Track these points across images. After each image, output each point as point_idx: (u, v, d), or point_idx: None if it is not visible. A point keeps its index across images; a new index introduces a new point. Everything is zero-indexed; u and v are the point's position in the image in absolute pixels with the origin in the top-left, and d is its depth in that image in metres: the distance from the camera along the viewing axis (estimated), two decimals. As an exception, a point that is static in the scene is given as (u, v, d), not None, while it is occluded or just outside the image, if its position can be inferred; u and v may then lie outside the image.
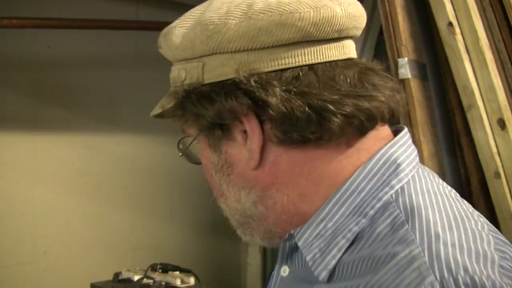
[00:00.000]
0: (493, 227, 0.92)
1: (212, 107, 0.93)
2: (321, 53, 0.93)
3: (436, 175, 1.01)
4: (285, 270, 1.02)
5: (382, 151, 0.94)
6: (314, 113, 0.90)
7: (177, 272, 2.07)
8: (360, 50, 3.48)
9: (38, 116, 3.14)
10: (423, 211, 0.87)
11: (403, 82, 2.28)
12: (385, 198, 0.91)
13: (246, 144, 0.95)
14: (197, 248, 2.62)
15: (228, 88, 0.91)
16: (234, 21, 0.91)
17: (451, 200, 0.93)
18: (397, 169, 0.93)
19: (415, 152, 0.99)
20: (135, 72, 3.41)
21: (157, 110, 1.03)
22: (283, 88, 0.90)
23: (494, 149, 2.13)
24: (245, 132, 0.94)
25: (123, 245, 3.14)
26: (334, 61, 0.94)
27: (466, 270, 0.77)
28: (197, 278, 2.07)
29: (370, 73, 0.96)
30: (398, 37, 2.31)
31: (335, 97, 0.91)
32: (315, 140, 0.92)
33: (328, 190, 0.95)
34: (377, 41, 3.48)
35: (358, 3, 0.98)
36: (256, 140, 0.93)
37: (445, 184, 1.00)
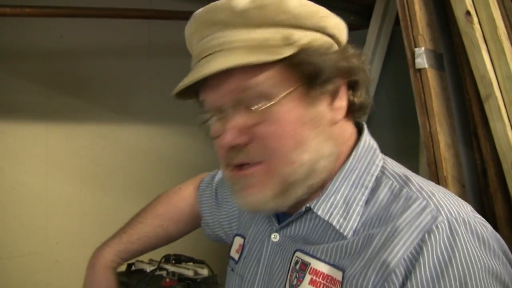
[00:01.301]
0: None
1: (337, 64, 1.17)
2: None
3: None
4: (275, 237, 1.31)
5: (364, 138, 1.26)
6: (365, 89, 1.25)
7: (191, 264, 2.06)
8: (375, 40, 3.46)
9: (51, 106, 3.13)
10: (410, 178, 1.19)
11: (419, 72, 2.26)
12: (375, 173, 1.22)
13: (331, 103, 1.19)
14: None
15: (344, 53, 1.19)
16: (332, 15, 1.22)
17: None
18: (376, 152, 1.26)
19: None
20: (148, 62, 3.40)
21: (254, 59, 1.12)
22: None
23: (512, 140, 2.10)
24: (332, 93, 1.18)
25: (136, 236, 3.10)
26: None
27: (459, 213, 1.12)
28: (210, 270, 2.05)
29: None
30: (415, 27, 2.28)
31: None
32: (364, 109, 1.26)
33: (342, 159, 1.25)
34: (392, 30, 3.46)
35: None
36: (345, 100, 1.21)
37: None
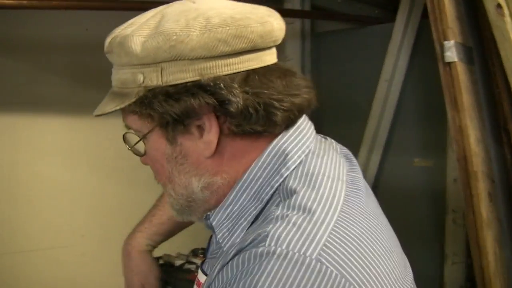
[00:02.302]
0: (357, 197, 1.14)
1: (179, 106, 1.08)
2: (261, 59, 1.13)
3: (330, 150, 1.23)
4: (215, 243, 1.23)
5: (274, 142, 1.14)
6: (263, 110, 1.09)
7: (218, 257, 2.05)
8: (402, 34, 3.44)
9: (77, 99, 3.14)
10: (293, 196, 1.06)
11: (449, 65, 2.23)
12: (276, 185, 1.11)
13: (201, 137, 1.12)
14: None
15: (193, 89, 1.07)
16: (195, 33, 1.06)
17: (325, 179, 1.11)
18: (285, 159, 1.12)
19: (306, 138, 1.18)
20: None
21: (110, 108, 1.15)
22: (241, 89, 1.08)
23: (544, 135, 2.08)
24: (199, 126, 1.11)
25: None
26: (268, 65, 1.14)
27: (282, 243, 0.95)
28: (237, 264, 2.04)
29: (290, 75, 1.17)
30: (444, 20, 2.26)
31: (278, 96, 1.11)
32: (261, 132, 1.11)
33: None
34: (418, 24, 3.43)
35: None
36: (214, 133, 1.10)
37: (336, 158, 1.22)
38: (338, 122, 3.74)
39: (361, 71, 3.78)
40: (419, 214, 3.51)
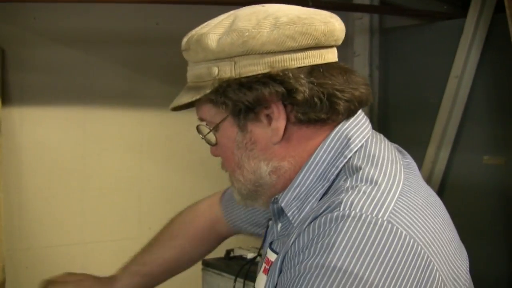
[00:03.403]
0: (414, 177, 1.24)
1: (251, 94, 1.19)
2: (323, 56, 1.24)
3: (385, 141, 1.33)
4: (280, 227, 1.33)
5: (337, 129, 1.24)
6: (326, 99, 1.20)
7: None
8: (474, 29, 3.38)
9: (146, 92, 3.17)
10: (359, 172, 1.17)
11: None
12: (340, 165, 1.22)
13: (269, 124, 1.22)
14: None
15: (264, 79, 1.18)
16: (266, 30, 1.18)
17: (385, 160, 1.22)
18: (348, 142, 1.23)
19: (364, 127, 1.28)
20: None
21: (186, 99, 1.27)
22: (307, 79, 1.19)
23: None
24: (268, 115, 1.22)
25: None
26: (329, 62, 1.25)
27: (354, 208, 1.06)
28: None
29: (350, 72, 1.27)
30: (523, 15, 2.21)
31: (340, 87, 1.22)
32: (325, 119, 1.22)
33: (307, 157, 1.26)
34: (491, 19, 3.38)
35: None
36: (282, 120, 1.21)
37: (390, 147, 1.31)
38: (407, 118, 3.72)
39: (429, 67, 3.75)
40: (488, 213, 3.46)
